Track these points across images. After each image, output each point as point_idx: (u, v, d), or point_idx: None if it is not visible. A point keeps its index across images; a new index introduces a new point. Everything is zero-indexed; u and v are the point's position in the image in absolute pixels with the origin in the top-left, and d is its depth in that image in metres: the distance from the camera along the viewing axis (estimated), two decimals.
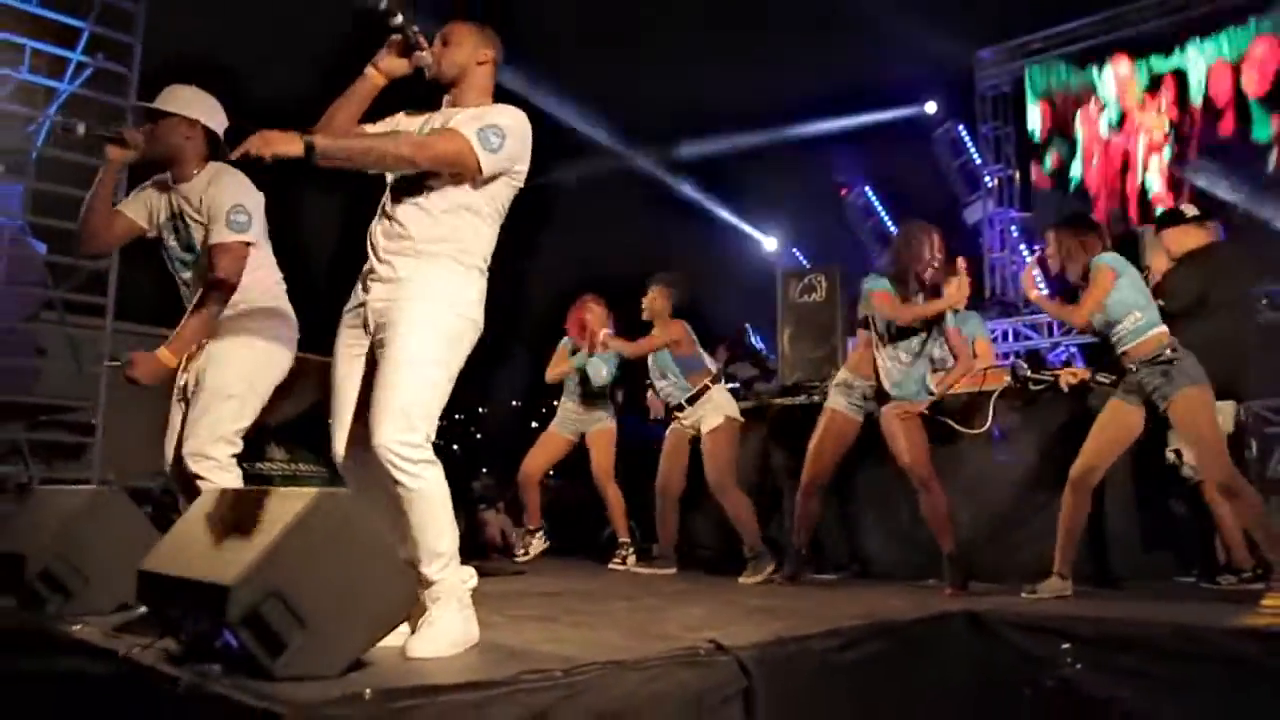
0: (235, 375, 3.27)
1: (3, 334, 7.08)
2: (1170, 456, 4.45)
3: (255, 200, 3.37)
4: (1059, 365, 11.08)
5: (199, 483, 3.14)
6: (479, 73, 2.83)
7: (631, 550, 5.69)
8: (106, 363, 3.11)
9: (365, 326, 2.70)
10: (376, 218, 2.78)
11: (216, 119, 3.45)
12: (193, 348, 3.31)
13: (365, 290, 2.72)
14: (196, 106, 3.41)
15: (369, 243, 2.75)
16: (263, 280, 3.43)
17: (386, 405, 2.51)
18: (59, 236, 7.33)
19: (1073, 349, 11.53)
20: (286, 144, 2.40)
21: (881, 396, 4.59)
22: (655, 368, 5.57)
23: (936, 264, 4.51)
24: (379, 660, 2.20)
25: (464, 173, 2.65)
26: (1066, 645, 3.10)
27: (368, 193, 2.87)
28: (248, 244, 3.29)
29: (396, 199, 2.72)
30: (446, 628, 2.51)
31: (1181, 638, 2.98)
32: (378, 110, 2.84)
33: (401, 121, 2.85)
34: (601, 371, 5.64)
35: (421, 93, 2.87)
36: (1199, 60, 10.80)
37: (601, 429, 5.82)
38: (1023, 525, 4.73)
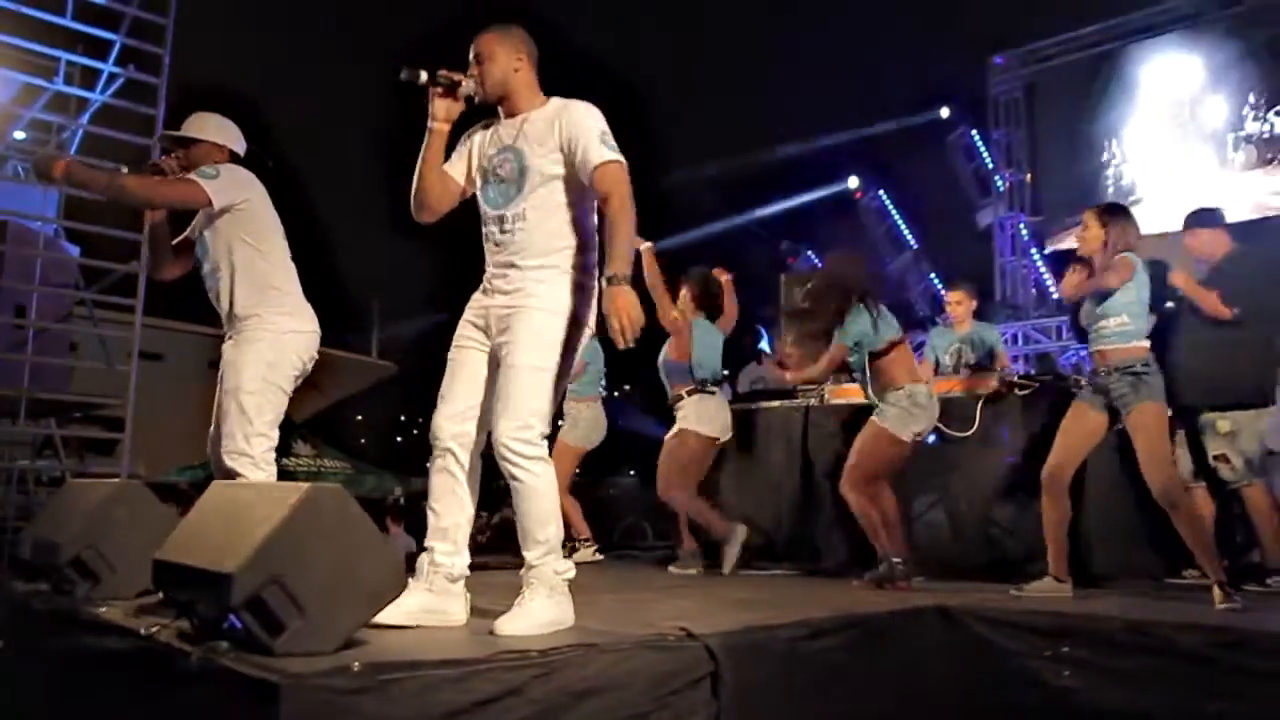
0: (250, 373, 3.51)
1: (38, 333, 7.36)
2: (1212, 463, 4.57)
3: (254, 190, 3.63)
4: (1069, 368, 11.21)
5: (237, 479, 3.39)
6: (519, 77, 2.98)
7: (582, 545, 5.80)
8: None
9: (487, 329, 2.97)
10: (485, 240, 3.02)
11: (239, 144, 3.75)
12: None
13: (487, 295, 3.00)
14: (223, 133, 3.72)
15: (487, 259, 3.02)
16: (274, 279, 3.64)
17: (505, 406, 2.80)
18: (90, 240, 7.64)
19: (1083, 353, 11.63)
20: (634, 310, 2.75)
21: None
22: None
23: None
24: (372, 638, 2.42)
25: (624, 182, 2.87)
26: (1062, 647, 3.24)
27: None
28: (192, 180, 3.49)
29: (500, 230, 2.96)
30: (536, 610, 2.78)
31: (1132, 631, 3.15)
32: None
33: (475, 143, 3.07)
34: None
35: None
36: None
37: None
38: (1007, 525, 4.89)
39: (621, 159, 2.89)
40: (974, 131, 13.16)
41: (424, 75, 2.91)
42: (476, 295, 3.06)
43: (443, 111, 2.98)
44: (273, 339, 3.56)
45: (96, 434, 8.04)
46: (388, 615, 2.51)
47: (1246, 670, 2.90)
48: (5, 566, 3.94)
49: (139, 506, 3.40)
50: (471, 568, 3.06)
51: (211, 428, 3.62)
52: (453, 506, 2.98)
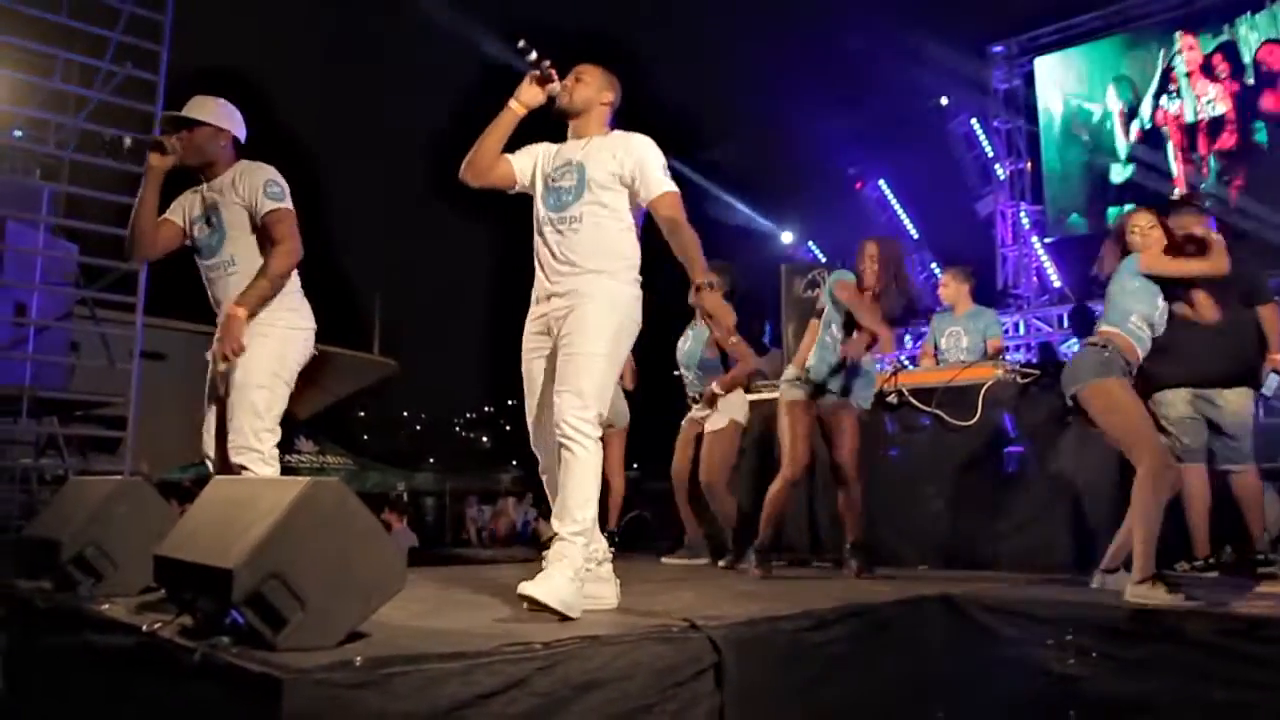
0: (259, 368, 3.50)
1: (39, 332, 7.36)
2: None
3: (284, 182, 3.64)
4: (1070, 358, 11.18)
5: (245, 474, 3.39)
6: (600, 110, 3.33)
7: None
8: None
9: (548, 332, 3.21)
10: (540, 247, 3.27)
11: (241, 129, 3.72)
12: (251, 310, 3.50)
13: (543, 304, 3.25)
14: (227, 118, 3.69)
15: (540, 268, 3.27)
16: None
17: (564, 385, 3.04)
18: (90, 238, 7.63)
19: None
20: (725, 307, 3.12)
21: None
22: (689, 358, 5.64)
23: (874, 272, 4.66)
24: (375, 632, 2.41)
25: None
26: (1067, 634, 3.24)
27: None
28: (289, 209, 3.58)
29: (558, 232, 3.22)
30: (557, 583, 2.85)
31: (1136, 619, 3.15)
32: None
33: (542, 152, 3.35)
34: None
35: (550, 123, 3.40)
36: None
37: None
38: (1008, 514, 4.89)
39: (678, 190, 3.20)
40: (974, 120, 13.13)
41: (534, 54, 3.21)
42: (533, 308, 3.28)
43: (526, 95, 3.28)
44: (280, 335, 3.56)
45: (99, 432, 8.05)
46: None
47: (1252, 657, 2.89)
48: (8, 565, 3.94)
49: (140, 503, 3.39)
50: (479, 563, 3.09)
51: (207, 426, 3.61)
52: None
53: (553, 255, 3.22)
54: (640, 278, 3.28)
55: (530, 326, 3.29)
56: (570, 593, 2.86)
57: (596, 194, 3.19)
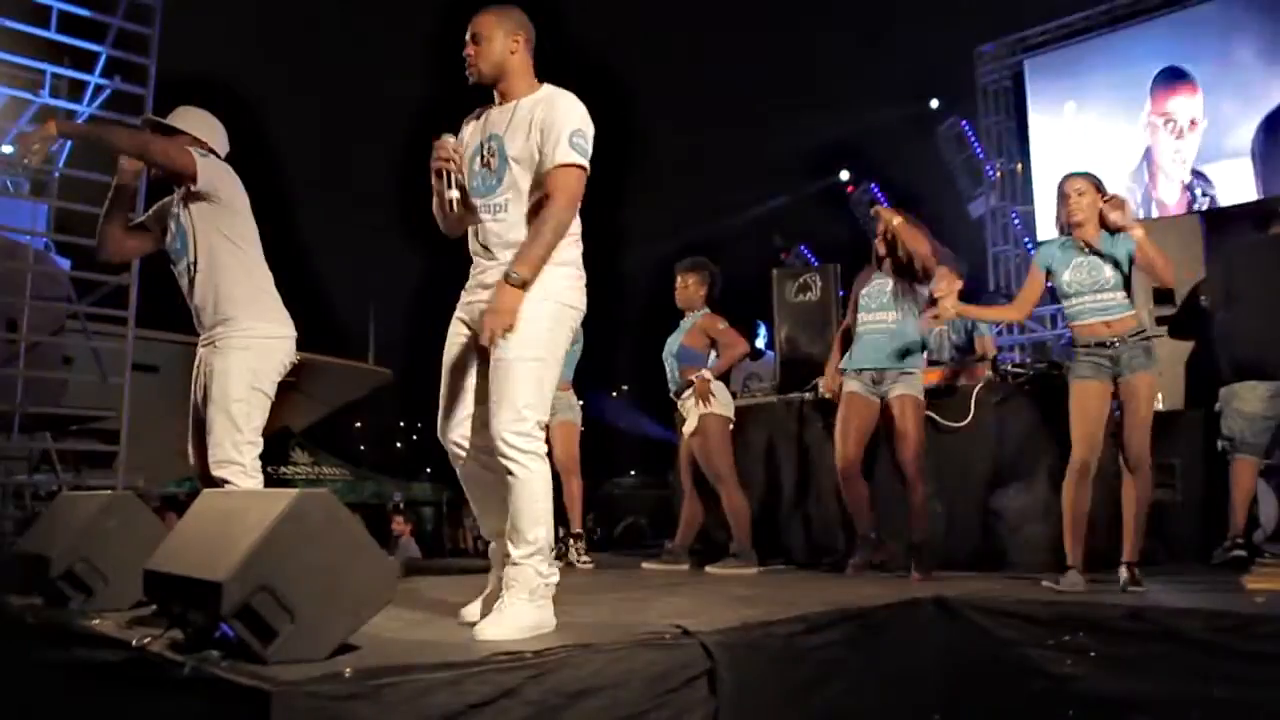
0: (236, 381, 3.47)
1: (31, 348, 7.34)
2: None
3: (237, 187, 3.60)
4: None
5: (227, 486, 3.36)
6: (515, 60, 2.92)
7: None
8: None
9: (470, 323, 2.97)
10: (471, 233, 3.01)
11: (223, 145, 3.69)
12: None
13: (471, 292, 3.00)
14: (208, 130, 3.66)
15: (472, 252, 3.02)
16: (255, 280, 3.60)
17: (499, 400, 2.78)
18: (81, 253, 7.62)
19: None
20: (511, 310, 2.74)
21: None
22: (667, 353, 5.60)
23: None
24: (365, 643, 2.39)
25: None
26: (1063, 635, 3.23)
27: None
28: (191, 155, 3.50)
29: (485, 210, 2.94)
30: (515, 614, 2.73)
31: (1132, 618, 3.14)
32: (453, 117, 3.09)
33: (470, 133, 3.03)
34: None
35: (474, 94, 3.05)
36: None
37: (559, 421, 5.59)
38: (1002, 515, 4.87)
39: (583, 164, 2.85)
40: (964, 122, 13.17)
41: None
42: (464, 293, 3.05)
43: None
44: (259, 346, 3.53)
45: (93, 446, 8.02)
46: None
47: (1248, 654, 2.89)
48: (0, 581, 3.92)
49: (131, 518, 3.37)
50: (474, 572, 3.06)
51: (191, 439, 3.60)
52: (496, 508, 2.94)
53: (482, 243, 2.96)
54: (580, 249, 2.96)
55: (457, 312, 3.05)
56: (530, 617, 2.75)
57: (518, 175, 2.87)
